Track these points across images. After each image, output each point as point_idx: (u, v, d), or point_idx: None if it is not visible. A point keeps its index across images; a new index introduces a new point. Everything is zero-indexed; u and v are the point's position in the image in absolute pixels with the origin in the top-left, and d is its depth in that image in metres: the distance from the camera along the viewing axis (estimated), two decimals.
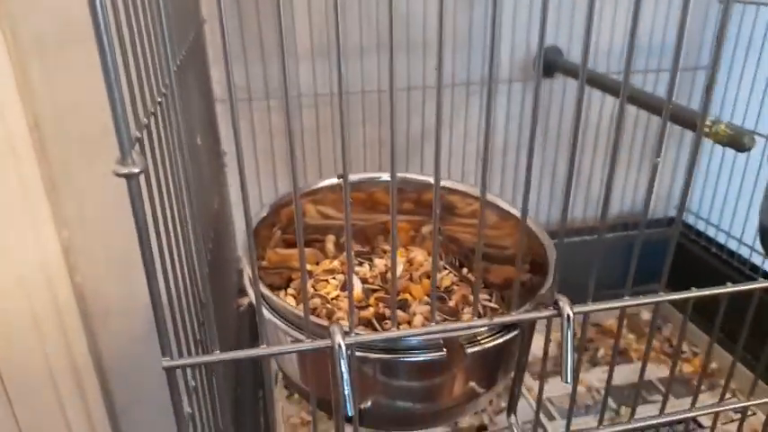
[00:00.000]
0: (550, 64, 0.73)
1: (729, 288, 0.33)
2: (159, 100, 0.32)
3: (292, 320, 0.34)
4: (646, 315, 0.91)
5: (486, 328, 0.32)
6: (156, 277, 0.24)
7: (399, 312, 0.41)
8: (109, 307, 0.81)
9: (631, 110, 0.80)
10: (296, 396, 0.69)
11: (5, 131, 0.65)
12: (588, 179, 0.86)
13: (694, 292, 0.33)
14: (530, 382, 0.75)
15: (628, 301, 0.32)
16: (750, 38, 0.73)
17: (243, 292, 0.73)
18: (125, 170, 0.22)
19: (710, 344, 0.36)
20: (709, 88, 0.44)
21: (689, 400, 0.73)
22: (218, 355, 0.27)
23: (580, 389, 0.77)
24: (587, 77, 0.63)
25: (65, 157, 0.71)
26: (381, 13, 0.68)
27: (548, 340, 0.31)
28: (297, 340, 0.32)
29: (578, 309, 0.29)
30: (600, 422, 0.35)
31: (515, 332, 0.33)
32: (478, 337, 0.33)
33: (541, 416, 0.69)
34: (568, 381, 0.27)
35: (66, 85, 0.68)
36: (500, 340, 0.32)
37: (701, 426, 0.72)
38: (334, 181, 0.46)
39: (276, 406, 0.69)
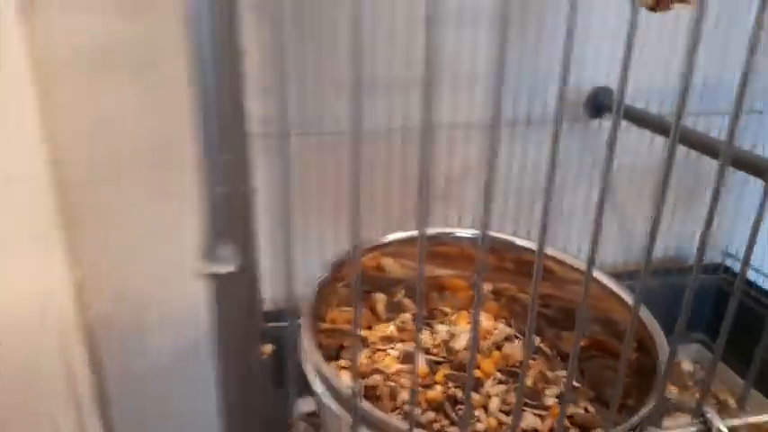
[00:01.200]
0: (601, 105, 0.70)
1: None
2: None
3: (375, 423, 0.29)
4: (687, 366, 0.86)
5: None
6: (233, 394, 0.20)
7: (473, 394, 0.36)
8: (119, 346, 0.76)
9: (682, 150, 0.76)
10: None
11: (22, 161, 0.61)
12: (633, 221, 0.82)
13: None
14: None
15: None
16: None
17: (265, 336, 0.68)
18: (215, 268, 0.17)
19: None
20: None
21: None
22: None
23: None
24: (638, 118, 0.58)
25: (83, 190, 0.66)
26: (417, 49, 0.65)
27: None
28: None
29: (731, 423, 0.25)
30: None
31: None
32: None
33: None
34: None
35: (89, 115, 0.64)
36: None
37: None
38: (401, 235, 0.41)
39: None
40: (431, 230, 0.43)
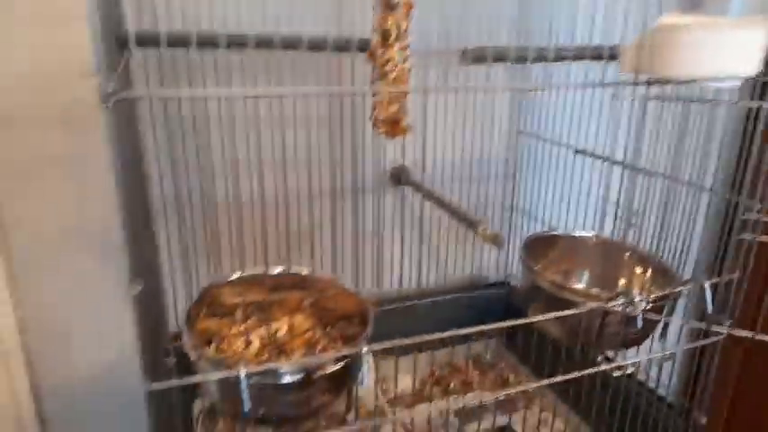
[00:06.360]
0: (400, 178, 1.04)
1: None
2: None
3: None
4: (487, 356, 1.20)
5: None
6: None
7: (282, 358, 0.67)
8: (54, 374, 0.99)
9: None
10: None
11: None
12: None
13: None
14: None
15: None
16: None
17: (168, 353, 0.94)
18: (133, 290, 0.46)
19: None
20: None
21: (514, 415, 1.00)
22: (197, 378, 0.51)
23: (435, 413, 1.03)
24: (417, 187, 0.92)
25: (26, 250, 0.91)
26: (274, 139, 0.96)
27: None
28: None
29: (377, 346, 0.56)
30: None
31: (343, 363, 0.59)
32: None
33: None
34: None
35: (32, 195, 0.89)
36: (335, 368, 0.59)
37: None
38: (239, 274, 0.72)
39: None
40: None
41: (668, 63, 0.51)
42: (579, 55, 0.60)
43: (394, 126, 0.77)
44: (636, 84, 0.59)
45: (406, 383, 1.10)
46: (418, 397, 1.07)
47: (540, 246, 0.89)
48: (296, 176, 0.99)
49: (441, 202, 0.93)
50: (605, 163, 0.91)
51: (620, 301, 0.69)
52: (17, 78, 0.87)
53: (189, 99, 0.87)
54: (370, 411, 0.92)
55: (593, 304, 0.68)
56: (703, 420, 0.82)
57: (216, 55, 0.87)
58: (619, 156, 0.87)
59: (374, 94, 0.76)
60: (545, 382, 0.72)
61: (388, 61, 0.72)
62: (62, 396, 1.02)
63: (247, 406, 0.53)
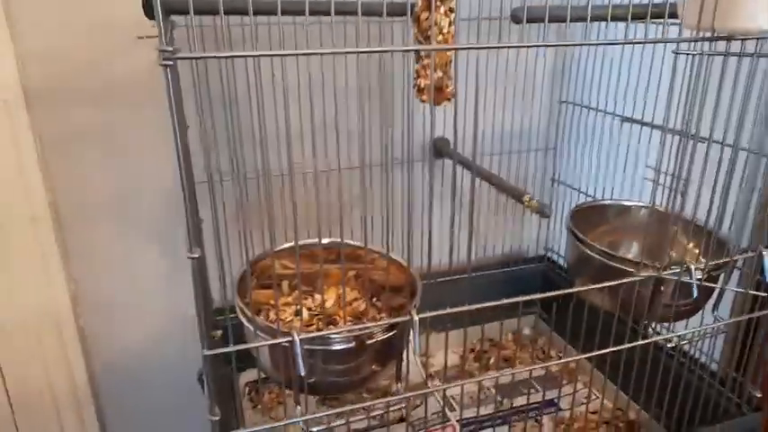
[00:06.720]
0: (440, 150, 1.03)
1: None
2: None
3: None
4: (526, 331, 1.19)
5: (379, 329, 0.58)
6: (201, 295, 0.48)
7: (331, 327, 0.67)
8: (106, 346, 1.02)
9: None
10: (258, 407, 0.92)
11: (30, 207, 0.88)
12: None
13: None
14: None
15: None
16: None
17: (216, 326, 0.96)
18: (193, 255, 0.46)
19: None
20: None
21: (556, 391, 0.99)
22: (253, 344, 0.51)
23: (474, 387, 1.03)
24: (459, 160, 0.91)
25: (76, 226, 0.93)
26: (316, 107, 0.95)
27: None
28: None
29: (427, 314, 0.56)
30: None
31: (394, 331, 0.59)
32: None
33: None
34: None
35: (80, 173, 0.91)
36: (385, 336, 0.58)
37: (560, 409, 0.99)
38: (288, 245, 0.71)
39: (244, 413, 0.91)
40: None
41: (737, 15, 0.48)
42: (638, 14, 0.57)
43: (438, 93, 0.75)
44: (696, 40, 0.56)
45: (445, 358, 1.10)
46: (459, 372, 1.07)
47: (587, 216, 0.87)
48: (333, 148, 0.98)
49: (483, 174, 0.92)
50: (653, 130, 0.88)
51: (676, 269, 0.67)
52: (68, 47, 0.88)
53: (236, 69, 0.86)
54: (414, 384, 0.92)
55: (647, 272, 0.66)
56: (757, 394, 0.80)
57: (261, 25, 0.86)
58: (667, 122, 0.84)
59: (417, 59, 0.74)
60: (591, 354, 0.71)
61: (432, 26, 0.70)
62: (116, 367, 1.05)
63: (302, 371, 0.53)
